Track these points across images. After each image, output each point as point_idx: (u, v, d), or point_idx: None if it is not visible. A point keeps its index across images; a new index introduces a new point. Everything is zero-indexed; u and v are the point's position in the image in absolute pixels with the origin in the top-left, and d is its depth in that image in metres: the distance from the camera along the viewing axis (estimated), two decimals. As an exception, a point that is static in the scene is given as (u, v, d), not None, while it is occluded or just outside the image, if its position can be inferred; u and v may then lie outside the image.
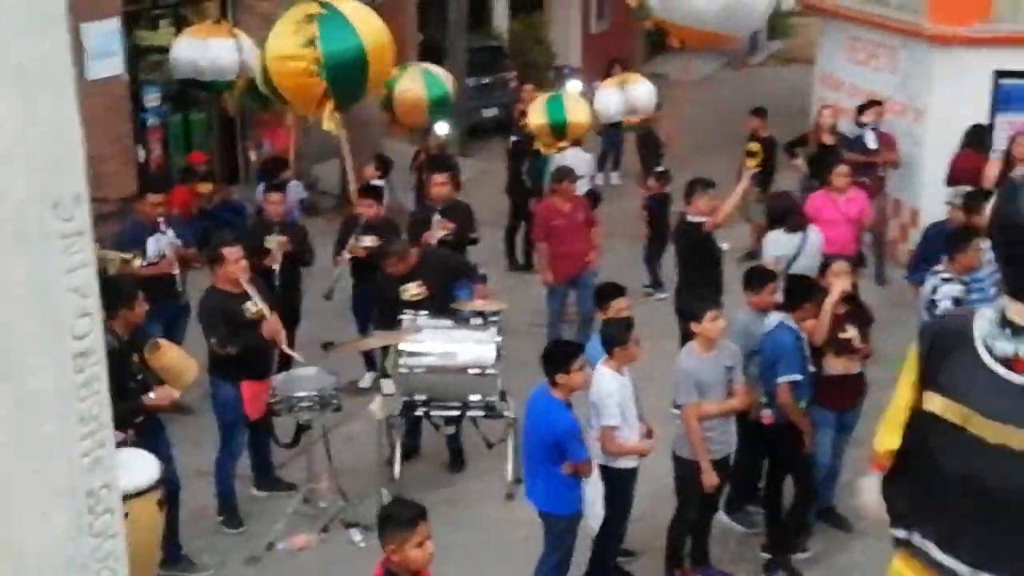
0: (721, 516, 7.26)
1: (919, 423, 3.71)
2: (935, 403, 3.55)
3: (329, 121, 9.92)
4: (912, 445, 3.79)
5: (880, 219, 11.62)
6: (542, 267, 10.33)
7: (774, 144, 12.63)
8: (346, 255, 9.23)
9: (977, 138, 11.22)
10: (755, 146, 12.52)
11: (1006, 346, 3.34)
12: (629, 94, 12.91)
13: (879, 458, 4.00)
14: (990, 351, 3.36)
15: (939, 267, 7.53)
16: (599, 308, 7.19)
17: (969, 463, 3.49)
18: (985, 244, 8.45)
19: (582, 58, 21.79)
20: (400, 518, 4.46)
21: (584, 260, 9.98)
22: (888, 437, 3.92)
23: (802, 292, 7.05)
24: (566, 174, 10.25)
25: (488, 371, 7.69)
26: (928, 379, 3.61)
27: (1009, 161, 10.75)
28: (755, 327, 7.01)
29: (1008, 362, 3.33)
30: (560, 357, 6.09)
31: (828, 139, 11.94)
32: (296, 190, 11.58)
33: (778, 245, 8.79)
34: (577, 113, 11.87)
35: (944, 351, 3.53)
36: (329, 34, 9.68)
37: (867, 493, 4.12)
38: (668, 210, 11.52)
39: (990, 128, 11.64)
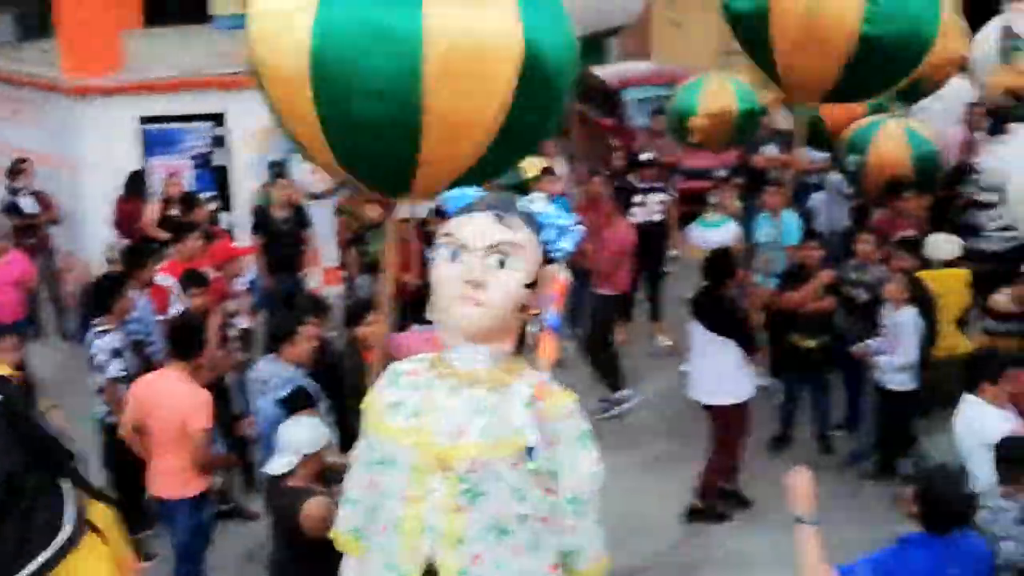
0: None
1: None
2: None
3: None
4: None
5: (52, 276, 11.47)
6: None
7: None
8: None
9: (134, 184, 11.54)
10: None
11: None
12: None
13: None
14: None
15: (97, 321, 7.45)
16: None
17: None
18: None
19: None
20: None
21: None
22: None
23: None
24: None
25: None
26: None
27: (166, 203, 11.19)
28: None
29: None
30: None
31: None
32: None
33: None
34: None
35: None
36: None
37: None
38: None
39: (146, 172, 12.02)
